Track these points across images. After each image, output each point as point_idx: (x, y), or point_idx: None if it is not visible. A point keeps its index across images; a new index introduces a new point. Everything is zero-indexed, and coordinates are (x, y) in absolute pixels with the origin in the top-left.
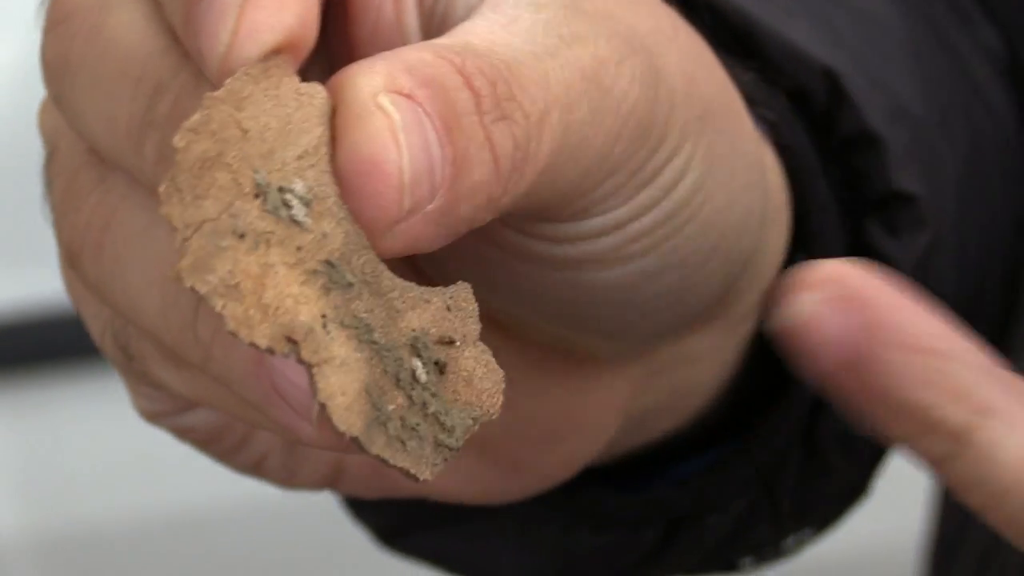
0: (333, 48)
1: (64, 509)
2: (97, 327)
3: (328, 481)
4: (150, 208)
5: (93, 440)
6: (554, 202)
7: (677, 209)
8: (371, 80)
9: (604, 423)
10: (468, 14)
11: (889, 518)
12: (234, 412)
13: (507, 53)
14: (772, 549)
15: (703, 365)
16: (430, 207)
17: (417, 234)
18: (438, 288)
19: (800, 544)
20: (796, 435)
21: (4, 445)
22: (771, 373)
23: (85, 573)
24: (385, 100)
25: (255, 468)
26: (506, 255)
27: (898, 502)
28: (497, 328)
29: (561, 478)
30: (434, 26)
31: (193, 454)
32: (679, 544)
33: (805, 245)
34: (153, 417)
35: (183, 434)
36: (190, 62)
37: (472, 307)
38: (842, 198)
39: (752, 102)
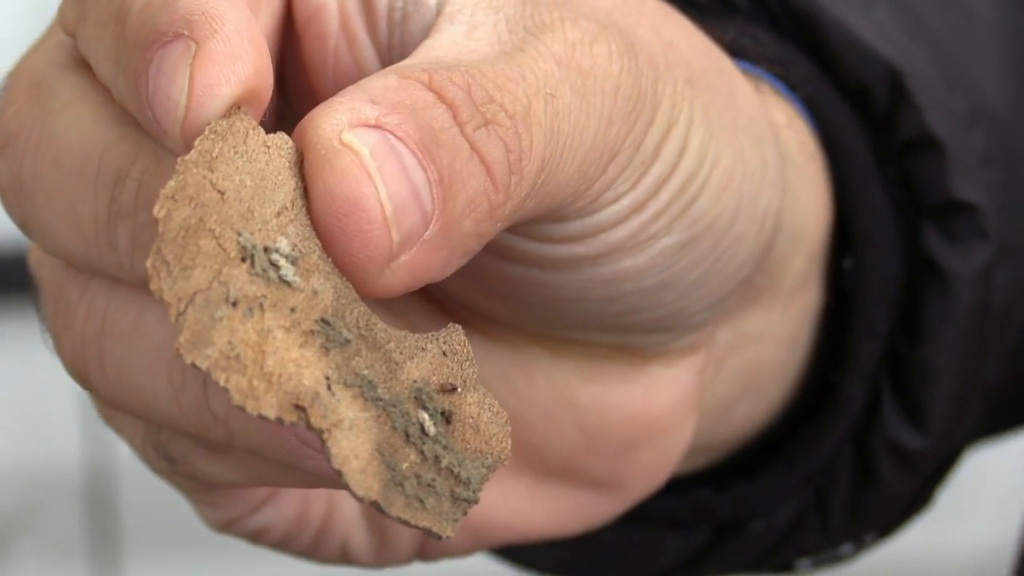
0: (296, 102)
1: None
2: (138, 443)
3: (418, 548)
4: (135, 301)
5: None
6: (562, 198)
7: (689, 178)
8: (332, 118)
9: (679, 421)
10: (425, 35)
11: (979, 523)
12: (283, 481)
13: (475, 58)
14: (829, 553)
15: (767, 343)
16: (428, 234)
17: (423, 264)
18: (431, 334)
19: (860, 549)
20: (846, 443)
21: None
22: (822, 378)
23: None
24: (349, 136)
25: (341, 555)
26: (532, 269)
27: (991, 508)
28: (547, 347)
29: (651, 487)
30: (394, 56)
31: None
32: (724, 547)
33: (854, 247)
34: (225, 527)
35: (259, 537)
36: (147, 142)
37: (467, 350)
38: (899, 201)
39: (809, 99)
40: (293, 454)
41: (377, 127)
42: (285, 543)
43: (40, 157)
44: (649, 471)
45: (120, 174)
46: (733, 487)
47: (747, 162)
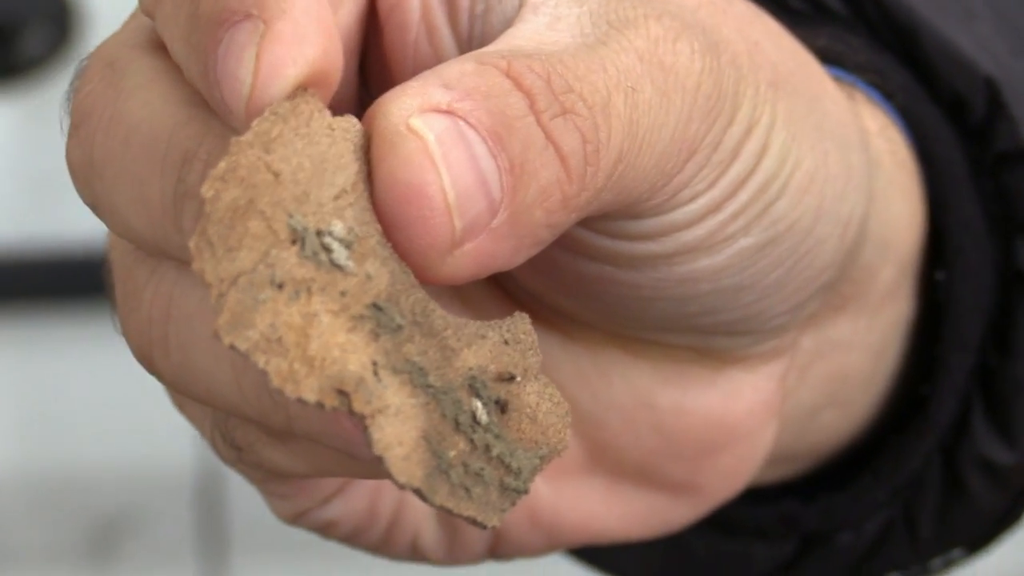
0: (377, 92)
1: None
2: (207, 431)
3: (490, 547)
4: (200, 284)
5: (93, 380)
6: (639, 193)
7: (768, 180)
8: (403, 103)
9: (758, 427)
10: (507, 27)
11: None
12: (346, 470)
13: (557, 48)
14: (919, 568)
15: (854, 352)
16: (496, 222)
17: (489, 252)
18: (494, 322)
19: (949, 565)
20: (935, 457)
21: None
22: (912, 391)
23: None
24: (417, 121)
25: (412, 551)
26: (608, 267)
27: None
28: (625, 349)
29: (729, 492)
30: (474, 48)
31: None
32: (812, 558)
33: (947, 259)
34: (295, 519)
35: (329, 530)
36: (215, 123)
37: (531, 339)
38: (993, 214)
39: (904, 108)
40: (348, 441)
41: (448, 112)
42: (355, 537)
43: (111, 137)
44: (727, 476)
45: (187, 155)
46: (820, 498)
47: (830, 166)
